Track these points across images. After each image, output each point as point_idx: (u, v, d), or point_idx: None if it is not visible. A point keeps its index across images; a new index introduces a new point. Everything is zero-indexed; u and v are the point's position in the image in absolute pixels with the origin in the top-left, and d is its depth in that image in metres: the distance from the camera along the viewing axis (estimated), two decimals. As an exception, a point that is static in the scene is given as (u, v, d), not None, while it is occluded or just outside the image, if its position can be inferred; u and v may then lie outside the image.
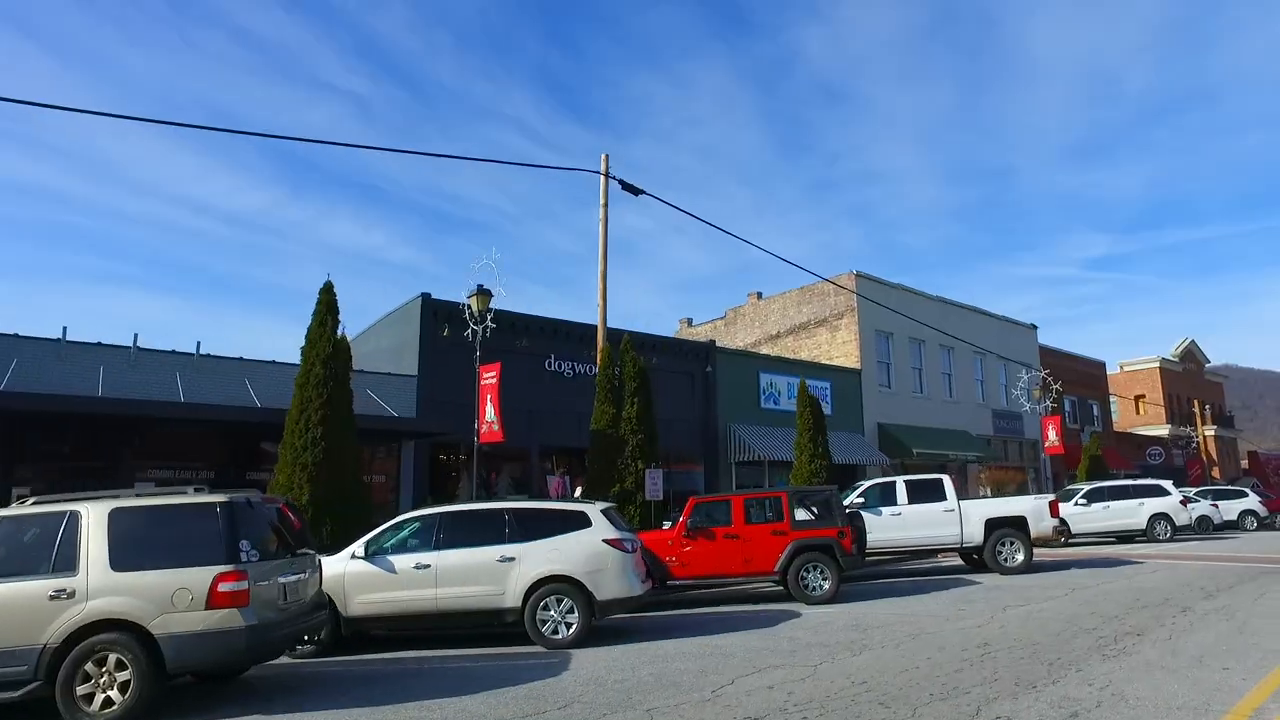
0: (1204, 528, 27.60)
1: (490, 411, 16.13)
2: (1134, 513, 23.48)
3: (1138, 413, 58.65)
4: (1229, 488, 32.80)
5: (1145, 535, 23.32)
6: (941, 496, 15.76)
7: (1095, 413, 46.13)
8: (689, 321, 38.37)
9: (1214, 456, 59.33)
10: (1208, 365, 63.85)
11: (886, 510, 15.66)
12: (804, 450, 20.46)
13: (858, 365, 29.73)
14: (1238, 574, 14.13)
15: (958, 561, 17.51)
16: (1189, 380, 60.45)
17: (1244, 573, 14.29)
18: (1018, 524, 15.56)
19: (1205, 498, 29.75)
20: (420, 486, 18.91)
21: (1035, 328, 40.76)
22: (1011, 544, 15.46)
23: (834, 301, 30.88)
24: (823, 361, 30.24)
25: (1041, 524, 15.63)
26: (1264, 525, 30.45)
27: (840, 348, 30.51)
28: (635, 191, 18.19)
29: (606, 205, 18.07)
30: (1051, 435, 32.57)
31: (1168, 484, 24.29)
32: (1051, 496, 16.11)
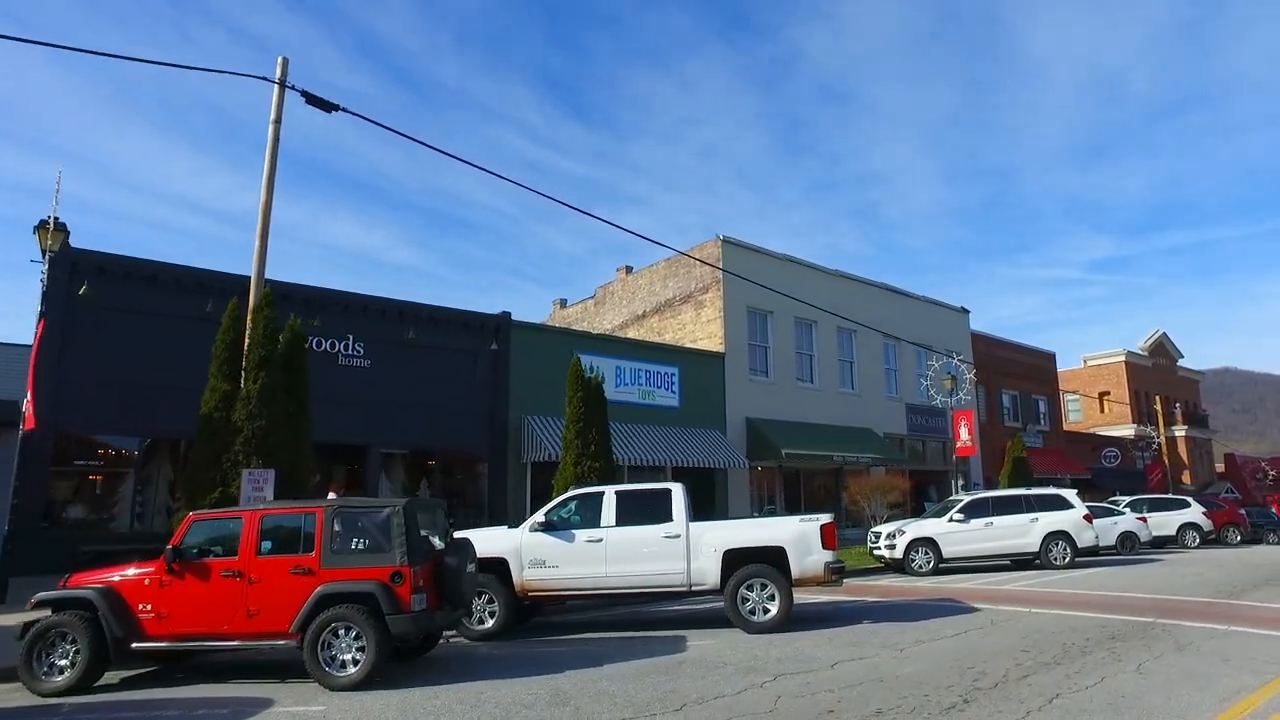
0: (1128, 546, 22.70)
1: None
2: (1024, 531, 18.58)
3: (1102, 411, 53.88)
4: (1168, 497, 27.83)
5: (1039, 559, 18.46)
6: (666, 516, 10.91)
7: (1042, 409, 41.21)
8: (562, 303, 33.51)
9: (1185, 459, 54.51)
10: (1180, 360, 58.84)
11: (582, 535, 10.77)
12: (570, 448, 15.61)
13: (722, 348, 24.86)
14: (1073, 641, 9.27)
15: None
16: (1159, 376, 55.54)
17: (1085, 638, 9.44)
18: (773, 558, 10.70)
19: (1137, 509, 24.89)
20: (37, 493, 14.14)
21: (967, 312, 35.83)
22: (763, 588, 10.61)
23: (700, 274, 25.99)
24: (686, 344, 25.41)
25: (808, 559, 10.74)
26: (1208, 541, 25.59)
27: (705, 327, 25.63)
28: (327, 107, 13.47)
29: (279, 121, 13.39)
30: (963, 434, 27.73)
31: (1070, 494, 19.41)
32: (826, 519, 11.14)
